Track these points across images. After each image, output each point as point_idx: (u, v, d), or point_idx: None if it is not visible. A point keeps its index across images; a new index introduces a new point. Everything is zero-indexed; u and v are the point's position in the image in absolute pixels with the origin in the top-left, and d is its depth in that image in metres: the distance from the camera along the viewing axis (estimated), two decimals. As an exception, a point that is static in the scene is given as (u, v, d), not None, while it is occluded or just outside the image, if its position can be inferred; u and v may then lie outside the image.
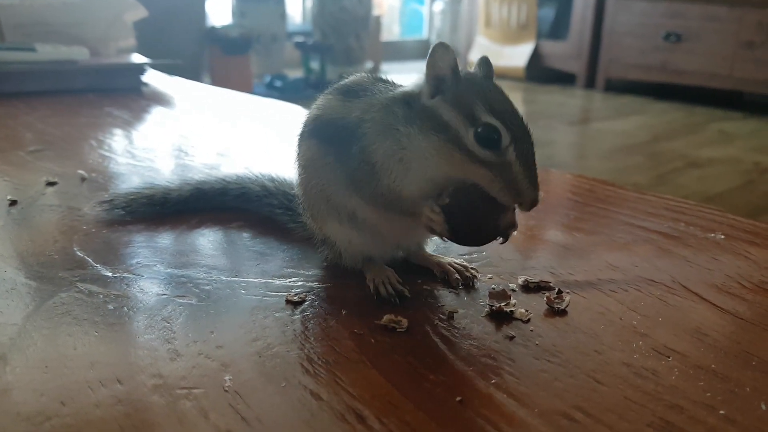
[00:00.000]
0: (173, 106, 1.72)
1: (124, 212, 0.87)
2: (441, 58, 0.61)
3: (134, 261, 0.74)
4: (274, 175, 0.90)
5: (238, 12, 5.36)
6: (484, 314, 0.64)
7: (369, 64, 5.96)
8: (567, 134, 4.30)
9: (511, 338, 0.59)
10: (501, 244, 0.64)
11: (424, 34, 7.92)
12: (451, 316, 0.63)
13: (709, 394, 0.51)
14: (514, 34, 6.37)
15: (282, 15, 5.61)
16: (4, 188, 0.99)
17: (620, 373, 0.54)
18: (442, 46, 0.61)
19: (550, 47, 6.17)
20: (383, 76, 0.72)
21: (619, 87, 5.76)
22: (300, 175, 0.73)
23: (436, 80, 0.62)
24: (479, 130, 0.59)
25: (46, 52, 1.73)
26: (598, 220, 0.91)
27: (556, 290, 0.68)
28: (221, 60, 4.80)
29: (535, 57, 6.20)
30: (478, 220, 0.61)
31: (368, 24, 5.82)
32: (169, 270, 0.72)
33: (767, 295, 0.69)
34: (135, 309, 0.63)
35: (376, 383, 0.52)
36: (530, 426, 0.47)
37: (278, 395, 0.50)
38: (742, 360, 0.56)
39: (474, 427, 0.47)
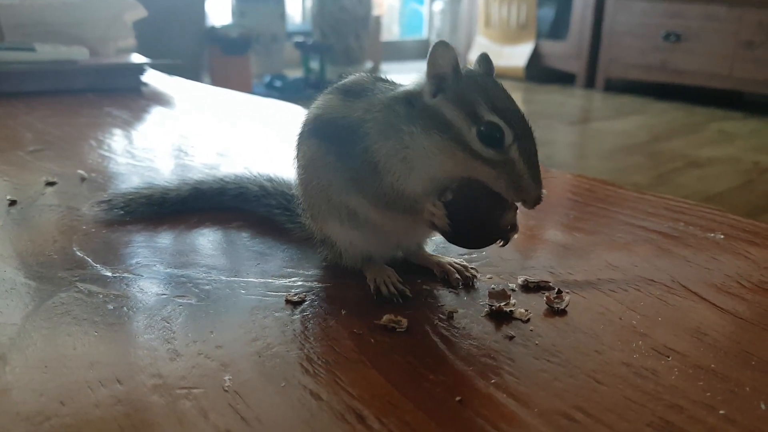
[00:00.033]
0: (173, 106, 1.72)
1: (122, 212, 0.87)
2: (442, 57, 0.61)
3: (134, 261, 0.74)
4: (272, 175, 0.90)
5: (238, 12, 5.36)
6: (483, 314, 0.64)
7: (369, 64, 5.96)
8: (567, 134, 4.30)
9: (511, 338, 0.59)
10: (501, 246, 0.64)
11: (423, 34, 7.92)
12: (450, 315, 0.63)
13: (708, 394, 0.51)
14: (513, 34, 6.37)
15: (282, 15, 5.62)
16: (3, 188, 0.99)
17: (620, 373, 0.54)
18: (442, 45, 0.61)
19: (550, 47, 6.17)
20: (383, 76, 0.72)
21: (619, 87, 5.76)
22: (300, 175, 0.73)
23: (437, 79, 0.62)
24: (482, 128, 0.59)
25: (46, 52, 1.73)
26: (597, 219, 0.91)
27: (556, 290, 0.68)
28: (221, 60, 4.80)
29: (535, 57, 6.20)
30: (480, 218, 0.61)
31: (368, 24, 5.82)
32: (168, 270, 0.72)
33: (767, 295, 0.69)
34: (134, 309, 0.63)
35: (375, 383, 0.52)
36: (530, 426, 0.47)
37: (278, 395, 0.50)
38: (742, 360, 0.56)
39: (474, 426, 0.47)
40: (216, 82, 4.65)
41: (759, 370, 0.54)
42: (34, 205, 0.92)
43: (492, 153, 0.59)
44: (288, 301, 0.65)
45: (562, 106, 5.17)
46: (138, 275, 0.71)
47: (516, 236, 0.64)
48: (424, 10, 7.92)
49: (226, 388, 0.51)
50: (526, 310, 0.63)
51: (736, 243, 0.82)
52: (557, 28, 6.18)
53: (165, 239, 0.81)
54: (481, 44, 6.56)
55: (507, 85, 0.63)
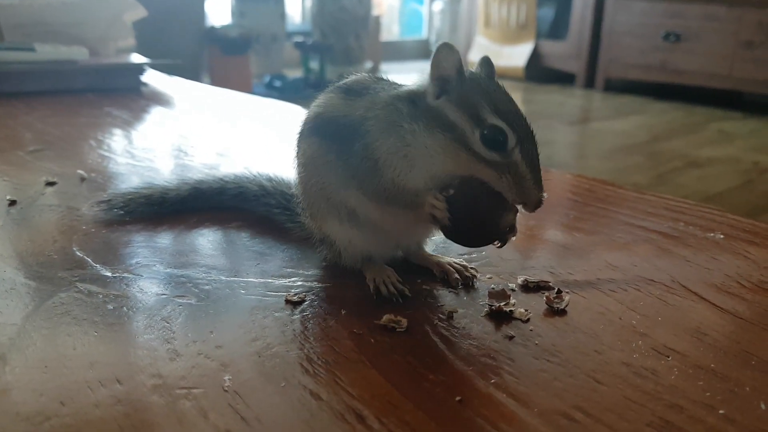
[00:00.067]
0: (173, 106, 1.72)
1: (122, 212, 0.87)
2: (445, 59, 0.61)
3: (133, 261, 0.74)
4: (271, 175, 0.90)
5: (238, 12, 5.36)
6: (483, 314, 0.64)
7: (368, 64, 5.96)
8: (567, 134, 4.30)
9: (511, 338, 0.59)
10: (498, 248, 0.64)
11: (423, 34, 7.92)
12: (450, 315, 0.63)
13: (708, 394, 0.51)
14: (513, 34, 6.37)
15: (281, 15, 5.61)
16: (3, 188, 0.99)
17: (620, 373, 0.54)
18: (446, 47, 0.61)
19: (550, 47, 6.17)
20: (384, 76, 0.72)
21: (619, 87, 5.76)
22: (300, 173, 0.73)
23: (440, 81, 0.62)
24: (485, 131, 0.59)
25: (46, 52, 1.73)
26: (597, 219, 0.91)
27: (556, 290, 0.68)
28: (221, 60, 4.80)
29: (535, 57, 6.20)
30: (480, 216, 0.61)
31: (368, 24, 5.82)
32: (168, 270, 0.72)
33: (766, 295, 0.69)
34: (134, 309, 0.63)
35: (375, 383, 0.52)
36: (530, 426, 0.47)
37: (278, 395, 0.50)
38: (742, 359, 0.56)
39: (473, 426, 0.47)
40: (216, 82, 4.65)
41: (759, 370, 0.54)
42: (33, 205, 0.92)
43: (495, 156, 0.59)
44: (288, 301, 0.65)
45: (561, 106, 5.17)
46: (138, 275, 0.71)
47: (514, 238, 0.64)
48: (424, 10, 7.92)
49: (226, 388, 0.51)
50: (526, 310, 0.63)
51: (736, 243, 0.82)
52: (557, 28, 6.18)
53: (165, 239, 0.81)
54: (481, 44, 6.56)
55: (507, 85, 0.63)
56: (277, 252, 0.78)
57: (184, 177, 0.96)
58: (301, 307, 0.65)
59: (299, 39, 5.70)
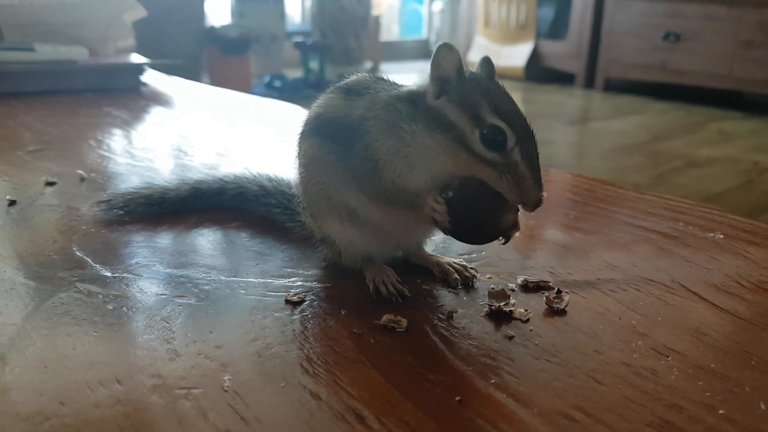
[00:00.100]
0: (172, 106, 1.72)
1: (122, 212, 0.87)
2: (445, 59, 0.61)
3: (133, 261, 0.74)
4: (271, 175, 0.90)
5: (237, 12, 5.36)
6: (483, 314, 0.64)
7: (368, 64, 5.96)
8: (566, 134, 4.30)
9: (511, 338, 0.59)
10: (502, 244, 0.64)
11: (423, 34, 7.92)
12: (450, 315, 0.63)
13: (708, 394, 0.51)
14: (513, 33, 6.37)
15: (281, 15, 5.61)
16: (3, 188, 0.99)
17: (620, 373, 0.54)
18: (446, 47, 0.61)
19: (549, 47, 6.17)
20: (384, 76, 0.72)
21: (619, 87, 5.76)
22: (300, 173, 0.73)
23: (440, 81, 0.62)
24: (485, 131, 0.59)
25: (45, 52, 1.73)
26: (597, 219, 0.91)
27: (556, 290, 0.68)
28: (220, 60, 4.80)
29: (535, 57, 6.20)
30: (480, 215, 0.61)
31: (367, 24, 5.82)
32: (168, 270, 0.72)
33: (766, 295, 0.69)
34: (134, 309, 0.63)
35: (375, 383, 0.52)
36: (530, 426, 0.47)
37: (277, 395, 0.50)
38: (742, 359, 0.56)
39: (473, 426, 0.47)
40: (215, 82, 4.64)
41: (759, 370, 0.54)
42: (33, 205, 0.92)
43: (494, 156, 0.59)
44: (287, 301, 0.65)
45: (561, 106, 5.17)
46: (137, 275, 0.71)
47: (517, 234, 0.64)
48: (424, 10, 7.91)
49: (226, 388, 0.51)
50: (526, 310, 0.63)
51: (736, 243, 0.82)
52: (557, 28, 6.18)
53: (164, 239, 0.81)
54: (481, 44, 6.56)
55: (506, 85, 0.63)
56: (277, 252, 0.78)
57: (184, 177, 0.96)
58: (301, 307, 0.65)
59: (299, 39, 5.70)
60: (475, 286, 0.70)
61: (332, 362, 0.55)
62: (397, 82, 0.70)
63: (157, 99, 1.79)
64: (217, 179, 0.91)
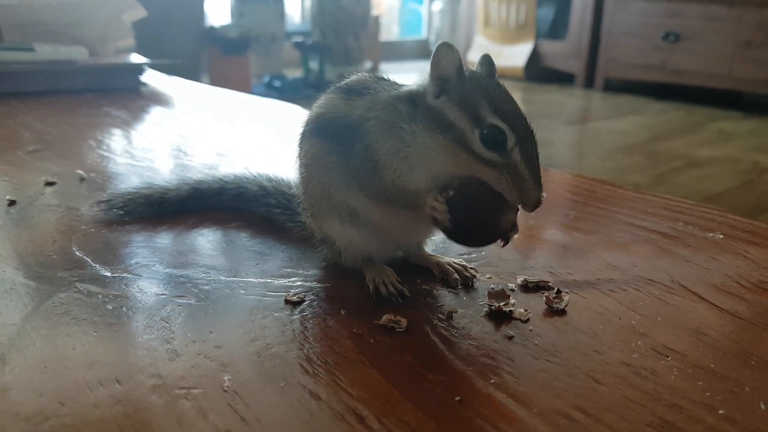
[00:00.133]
0: (172, 106, 1.72)
1: (122, 212, 0.87)
2: (445, 58, 0.61)
3: (133, 261, 0.74)
4: (271, 175, 0.90)
5: (237, 12, 5.35)
6: (483, 314, 0.64)
7: (368, 64, 5.95)
8: (566, 134, 4.30)
9: (510, 338, 0.59)
10: (502, 246, 0.64)
11: (422, 34, 7.92)
12: (450, 315, 0.63)
13: (708, 394, 0.51)
14: (513, 33, 6.37)
15: (281, 15, 5.61)
16: (3, 188, 0.99)
17: (619, 373, 0.54)
18: (446, 46, 0.61)
19: (549, 47, 6.17)
20: (385, 76, 0.72)
21: (618, 87, 5.76)
22: (301, 173, 0.73)
23: (440, 80, 0.62)
24: (485, 131, 0.59)
25: (45, 52, 1.73)
26: (597, 219, 0.91)
27: (555, 290, 0.68)
28: (220, 60, 4.80)
29: (534, 57, 6.20)
30: (480, 215, 0.61)
31: (367, 24, 5.82)
32: (167, 270, 0.72)
33: (766, 295, 0.69)
34: (134, 309, 0.63)
35: (375, 383, 0.52)
36: (529, 426, 0.47)
37: (277, 395, 0.50)
38: (741, 359, 0.56)
39: (473, 426, 0.47)
40: (215, 82, 4.64)
41: (758, 370, 0.54)
42: (33, 205, 0.92)
43: (494, 156, 0.59)
44: (287, 301, 0.65)
45: (561, 105, 5.17)
46: (137, 275, 0.71)
47: (516, 236, 0.64)
48: (423, 10, 7.91)
49: (226, 388, 0.51)
50: (526, 310, 0.63)
51: (736, 243, 0.82)
52: (556, 28, 6.18)
53: (164, 239, 0.81)
54: (481, 44, 6.55)
55: (506, 84, 0.63)
56: (277, 252, 0.78)
57: (184, 177, 0.96)
58: (301, 307, 0.65)
59: (299, 39, 5.70)
60: (475, 286, 0.70)
61: (332, 362, 0.55)
62: (397, 82, 0.70)
63: (157, 99, 1.79)
64: (216, 179, 0.91)
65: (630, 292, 0.68)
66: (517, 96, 0.63)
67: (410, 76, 0.67)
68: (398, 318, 0.61)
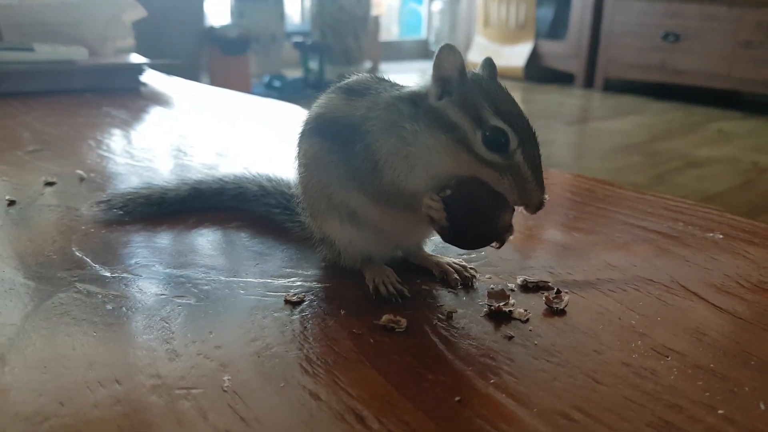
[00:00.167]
0: (172, 106, 1.72)
1: (121, 212, 0.87)
2: (447, 60, 0.61)
3: (133, 261, 0.74)
4: (271, 175, 0.90)
5: (237, 12, 5.36)
6: (482, 314, 0.64)
7: (367, 64, 5.95)
8: (566, 134, 4.30)
9: (510, 338, 0.59)
10: (497, 248, 0.64)
11: (422, 34, 7.92)
12: (450, 315, 0.63)
13: (708, 394, 0.51)
14: (512, 33, 6.37)
15: (280, 15, 5.61)
16: (2, 188, 0.99)
17: (619, 373, 0.54)
18: (448, 48, 0.61)
19: (549, 47, 6.17)
20: (385, 77, 0.72)
21: (618, 87, 5.76)
22: (301, 173, 0.73)
23: (442, 82, 0.62)
24: (487, 133, 0.59)
25: (45, 52, 1.73)
26: (596, 219, 0.91)
27: (555, 290, 0.68)
28: (220, 60, 4.80)
29: (534, 57, 6.20)
30: (478, 216, 0.61)
31: (367, 24, 5.82)
32: (167, 270, 0.72)
33: (766, 295, 0.69)
34: (133, 309, 0.63)
35: (375, 383, 0.52)
36: (529, 426, 0.47)
37: (277, 395, 0.50)
38: (741, 359, 0.56)
39: (473, 426, 0.47)
40: (215, 82, 4.64)
41: (758, 370, 0.54)
42: (33, 205, 0.92)
43: (496, 157, 0.59)
44: (287, 301, 0.65)
45: (561, 105, 5.17)
46: (137, 275, 0.71)
47: (512, 237, 0.64)
48: (423, 10, 7.91)
49: (225, 389, 0.51)
50: (525, 310, 0.63)
51: (735, 243, 0.82)
52: (556, 28, 6.18)
53: (164, 239, 0.81)
54: (480, 44, 6.56)
55: (506, 84, 0.63)
56: (277, 252, 0.78)
57: (184, 177, 0.96)
58: (301, 307, 0.65)
59: (298, 39, 5.70)
60: (475, 286, 0.70)
61: (332, 362, 0.55)
62: (398, 82, 0.70)
63: (157, 99, 1.79)
64: (216, 179, 0.91)
65: (630, 292, 0.68)
66: (516, 96, 0.63)
67: (410, 76, 0.67)
68: (398, 318, 0.61)
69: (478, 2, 6.63)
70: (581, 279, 0.72)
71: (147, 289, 0.68)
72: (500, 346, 0.58)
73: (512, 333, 0.60)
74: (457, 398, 0.50)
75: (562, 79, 6.03)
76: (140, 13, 2.09)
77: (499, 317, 0.63)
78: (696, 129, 4.34)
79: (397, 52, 7.41)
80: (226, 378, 0.52)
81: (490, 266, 0.75)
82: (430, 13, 7.78)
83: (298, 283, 0.70)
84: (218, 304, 0.65)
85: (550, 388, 0.52)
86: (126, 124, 1.48)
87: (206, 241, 0.82)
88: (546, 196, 0.60)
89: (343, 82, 0.71)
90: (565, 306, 0.65)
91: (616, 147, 3.83)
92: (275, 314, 0.63)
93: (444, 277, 0.71)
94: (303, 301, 0.65)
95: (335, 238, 0.71)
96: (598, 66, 5.78)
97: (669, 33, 5.21)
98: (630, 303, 0.66)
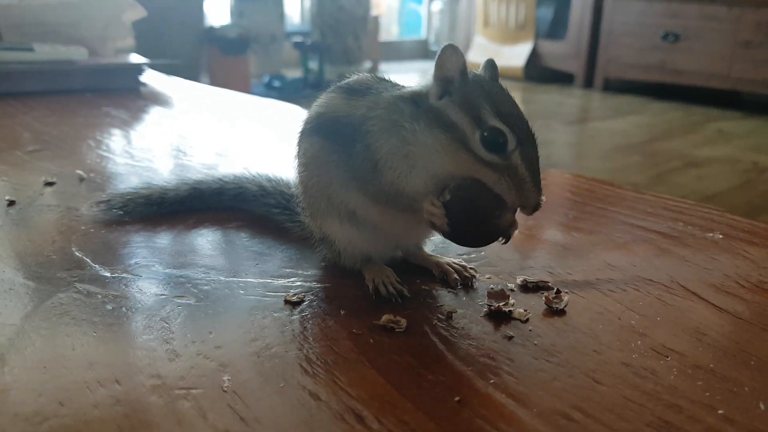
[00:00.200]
0: (171, 106, 1.72)
1: (121, 212, 0.87)
2: (450, 60, 0.61)
3: (132, 261, 0.74)
4: (271, 175, 0.90)
5: (237, 12, 5.36)
6: (482, 314, 0.63)
7: (367, 64, 5.95)
8: (565, 134, 4.30)
9: (510, 338, 0.59)
10: (503, 244, 0.64)
11: (422, 34, 7.92)
12: (449, 316, 0.63)
13: (707, 394, 0.51)
14: (512, 33, 6.37)
15: (280, 15, 5.61)
16: (2, 188, 0.99)
17: (619, 373, 0.54)
18: (451, 48, 0.61)
19: (549, 47, 6.17)
20: (386, 77, 0.72)
21: (618, 87, 5.76)
22: (300, 173, 0.72)
23: (444, 82, 0.62)
24: (486, 133, 0.59)
25: (44, 52, 1.73)
26: (596, 219, 0.91)
27: (555, 290, 0.68)
28: (219, 60, 4.80)
29: (534, 57, 6.20)
30: (479, 217, 0.61)
31: (366, 24, 5.82)
32: (167, 270, 0.72)
33: (765, 295, 0.69)
34: (133, 309, 0.63)
35: (374, 383, 0.52)
36: (529, 426, 0.47)
37: (277, 395, 0.50)
38: (741, 359, 0.56)
39: (473, 426, 0.47)
40: (214, 82, 4.65)
41: (758, 370, 0.54)
42: (32, 205, 0.92)
43: (494, 158, 0.59)
44: (287, 302, 0.65)
45: (560, 105, 5.18)
46: (137, 275, 0.71)
47: (516, 232, 0.64)
48: (423, 10, 7.92)
49: (225, 389, 0.51)
50: (525, 310, 0.63)
51: (735, 243, 0.82)
52: (556, 28, 6.18)
53: (164, 239, 0.81)
54: (480, 44, 6.56)
55: (505, 84, 0.64)
56: (277, 252, 0.78)
57: (183, 177, 0.96)
58: (300, 307, 0.64)
59: (298, 39, 5.70)
60: (475, 286, 0.70)
61: (331, 362, 0.55)
62: (398, 82, 0.70)
63: (156, 99, 1.79)
64: (216, 179, 0.91)
65: (629, 292, 0.68)
66: (516, 96, 0.63)
67: (410, 76, 0.67)
68: (398, 318, 0.61)
69: (478, 2, 6.63)
70: (581, 279, 0.72)
71: (147, 289, 0.68)
72: (500, 346, 0.58)
73: (512, 333, 0.60)
74: (456, 398, 0.50)
75: (562, 79, 6.04)
76: (140, 13, 2.09)
77: (498, 317, 0.63)
78: (696, 129, 4.35)
79: (397, 52, 7.41)
80: (225, 378, 0.52)
81: (489, 266, 0.75)
82: (429, 13, 7.79)
83: (298, 283, 0.70)
84: (218, 304, 0.65)
85: (550, 388, 0.52)
86: (126, 124, 1.48)
87: (206, 241, 0.82)
88: (543, 198, 0.60)
89: (343, 82, 0.71)
90: (565, 306, 0.65)
91: (616, 147, 3.83)
92: (275, 314, 0.63)
93: (444, 277, 0.71)
94: (303, 301, 0.65)
95: (335, 238, 0.71)
96: (598, 66, 5.79)
97: (669, 33, 5.21)
98: (630, 303, 0.66)
